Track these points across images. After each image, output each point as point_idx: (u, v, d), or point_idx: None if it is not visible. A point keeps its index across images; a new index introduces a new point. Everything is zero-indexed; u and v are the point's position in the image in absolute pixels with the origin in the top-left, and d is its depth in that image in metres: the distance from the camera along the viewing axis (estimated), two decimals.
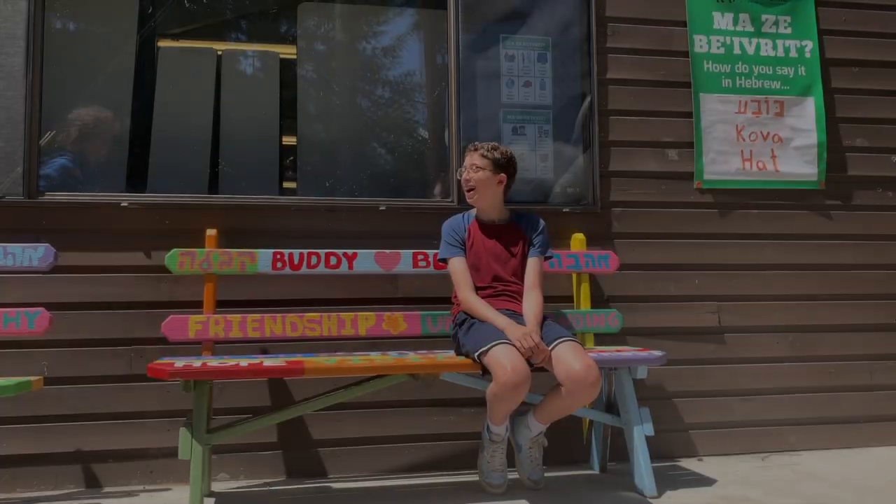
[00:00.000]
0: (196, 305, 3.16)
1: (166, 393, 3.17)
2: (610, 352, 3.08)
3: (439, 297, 3.32)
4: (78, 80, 3.71)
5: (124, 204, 3.28)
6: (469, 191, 3.06)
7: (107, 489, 3.14)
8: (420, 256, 3.33)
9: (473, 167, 3.04)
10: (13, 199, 3.15)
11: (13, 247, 2.92)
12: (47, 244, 2.95)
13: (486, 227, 3.08)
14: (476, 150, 3.09)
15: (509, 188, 3.12)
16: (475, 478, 3.04)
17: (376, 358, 2.89)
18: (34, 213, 3.19)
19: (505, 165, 3.07)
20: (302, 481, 3.21)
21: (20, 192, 3.15)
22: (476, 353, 2.72)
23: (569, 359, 2.69)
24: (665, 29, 3.85)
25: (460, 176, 3.12)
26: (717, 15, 3.89)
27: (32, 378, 2.70)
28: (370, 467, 3.34)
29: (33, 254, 2.93)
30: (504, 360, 2.62)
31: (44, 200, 3.20)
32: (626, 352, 3.10)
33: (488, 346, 2.69)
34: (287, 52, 4.52)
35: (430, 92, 4.44)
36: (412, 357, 2.90)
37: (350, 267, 3.26)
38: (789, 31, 3.96)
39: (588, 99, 3.73)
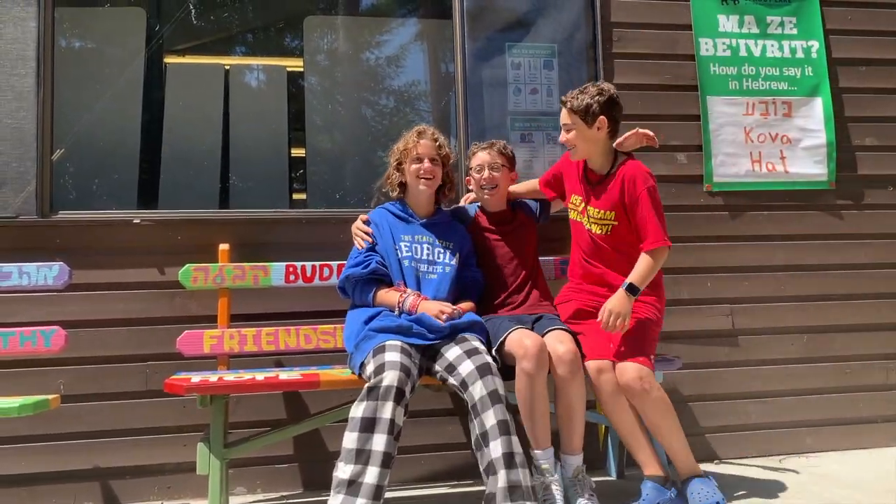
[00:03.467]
0: (210, 320, 3.16)
1: (182, 408, 3.19)
2: None
3: None
4: (88, 99, 3.74)
5: (137, 221, 3.29)
6: (492, 188, 3.09)
7: None
8: None
9: (494, 166, 3.07)
10: (27, 218, 3.17)
11: (28, 266, 2.94)
12: (62, 263, 2.97)
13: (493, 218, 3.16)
14: (493, 146, 3.11)
15: None
16: None
17: None
18: (48, 231, 3.21)
19: (514, 159, 3.19)
20: (319, 494, 3.21)
21: (34, 211, 3.18)
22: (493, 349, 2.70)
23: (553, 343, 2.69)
24: (670, 33, 3.85)
25: (478, 174, 3.09)
26: (721, 18, 3.90)
27: (50, 397, 2.71)
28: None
29: (48, 273, 2.94)
30: (519, 341, 2.61)
31: (57, 219, 3.23)
32: None
33: (503, 335, 2.68)
34: (294, 65, 4.56)
35: (437, 101, 4.46)
36: None
37: None
38: (795, 31, 3.96)
39: None
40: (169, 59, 4.27)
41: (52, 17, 3.30)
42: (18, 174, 3.18)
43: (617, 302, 2.70)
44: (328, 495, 2.37)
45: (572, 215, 3.04)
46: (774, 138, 3.88)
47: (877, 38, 4.03)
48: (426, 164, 2.92)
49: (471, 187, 3.22)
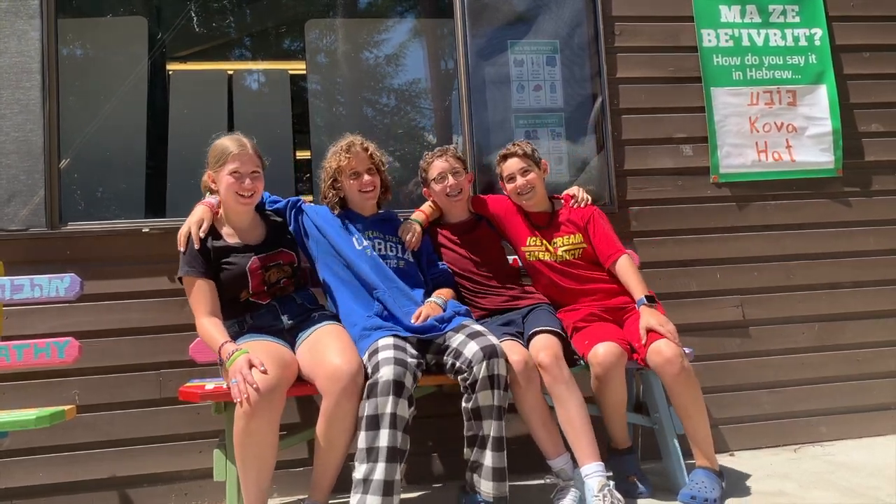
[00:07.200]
0: None
1: (196, 415, 3.20)
2: None
3: None
4: (93, 109, 3.75)
5: (145, 230, 3.30)
6: (458, 194, 3.09)
7: None
8: None
9: (454, 171, 3.06)
10: (37, 230, 3.19)
11: (39, 278, 2.94)
12: (73, 274, 2.96)
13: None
14: (446, 152, 3.10)
15: None
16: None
17: None
18: (58, 243, 3.23)
19: (466, 161, 3.22)
20: (334, 496, 3.20)
21: (43, 223, 3.20)
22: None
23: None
24: (672, 25, 3.84)
25: (440, 183, 3.07)
26: (723, 8, 3.88)
27: (66, 407, 2.72)
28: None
29: (59, 284, 2.95)
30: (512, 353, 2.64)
31: (67, 230, 3.24)
32: None
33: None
34: (296, 68, 4.56)
35: (440, 99, 4.46)
36: None
37: None
38: (797, 19, 3.95)
39: (599, 99, 3.73)
40: (172, 67, 4.28)
41: (54, 28, 3.31)
42: (27, 187, 3.19)
43: (650, 317, 2.78)
44: (344, 497, 2.38)
45: (536, 257, 3.10)
46: (780, 127, 3.87)
47: (880, 23, 4.01)
48: (365, 177, 2.91)
49: (430, 199, 3.18)
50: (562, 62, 3.76)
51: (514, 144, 3.15)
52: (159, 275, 3.26)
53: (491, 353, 2.52)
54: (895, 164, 3.94)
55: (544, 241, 3.09)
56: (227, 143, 2.69)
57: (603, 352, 2.70)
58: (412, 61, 4.53)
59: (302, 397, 3.29)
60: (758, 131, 3.84)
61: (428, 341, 2.68)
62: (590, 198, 3.19)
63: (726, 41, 3.86)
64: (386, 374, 2.40)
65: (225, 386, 2.66)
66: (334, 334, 2.62)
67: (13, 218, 3.18)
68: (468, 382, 2.53)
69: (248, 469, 2.39)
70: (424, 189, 3.19)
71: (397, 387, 2.40)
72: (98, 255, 3.25)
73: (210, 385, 2.72)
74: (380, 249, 2.90)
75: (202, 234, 2.61)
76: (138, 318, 3.24)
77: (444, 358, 2.64)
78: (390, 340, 2.54)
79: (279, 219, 2.90)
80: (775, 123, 3.86)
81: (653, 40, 3.82)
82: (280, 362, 2.45)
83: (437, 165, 3.07)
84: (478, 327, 2.66)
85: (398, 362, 2.44)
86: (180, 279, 2.63)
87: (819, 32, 3.94)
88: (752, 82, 3.86)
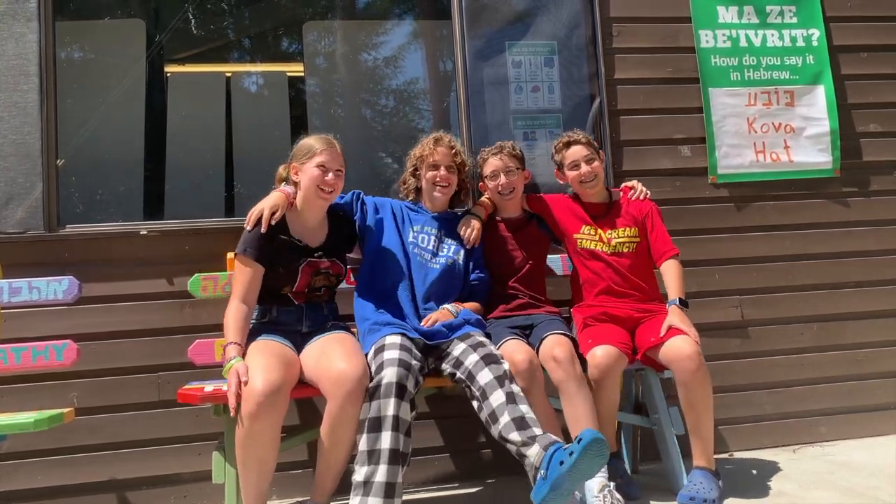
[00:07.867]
0: (220, 329, 3.14)
1: (196, 417, 3.19)
2: None
3: None
4: (91, 112, 3.75)
5: (144, 232, 3.30)
6: (510, 192, 3.09)
7: None
8: None
9: (508, 170, 3.07)
10: (35, 233, 3.18)
11: (38, 281, 2.94)
12: (71, 276, 2.96)
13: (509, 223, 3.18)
14: (502, 150, 3.10)
15: None
16: (504, 485, 3.02)
17: None
18: (56, 246, 3.22)
19: (523, 158, 3.19)
20: (334, 498, 3.20)
21: (41, 226, 3.19)
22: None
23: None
24: (670, 26, 3.85)
25: (494, 180, 3.09)
26: (721, 9, 3.89)
27: (64, 410, 2.71)
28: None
29: (58, 287, 2.95)
30: (510, 356, 2.62)
31: (65, 233, 3.23)
32: None
33: (498, 344, 2.68)
34: (294, 70, 4.56)
35: (438, 101, 4.46)
36: None
37: None
38: (795, 20, 3.95)
39: (597, 100, 3.73)
40: (170, 69, 4.28)
41: (52, 31, 3.30)
42: (24, 189, 3.19)
43: (675, 317, 2.83)
44: (343, 499, 2.38)
45: (586, 244, 3.10)
46: (778, 128, 3.87)
47: (877, 23, 4.02)
48: (442, 171, 2.98)
49: (486, 194, 3.21)
50: (560, 63, 3.76)
51: (574, 132, 3.17)
52: (158, 277, 3.26)
53: (492, 360, 2.52)
54: (893, 164, 3.95)
55: (599, 231, 3.09)
56: (317, 140, 2.78)
57: (601, 354, 2.70)
58: (410, 63, 4.53)
59: (302, 399, 3.28)
60: (756, 132, 3.84)
61: (432, 345, 2.67)
62: (648, 192, 3.21)
63: (724, 42, 3.87)
64: (389, 376, 2.40)
65: (224, 388, 2.66)
66: (340, 340, 2.63)
67: (11, 221, 3.17)
68: (477, 394, 2.49)
69: (249, 471, 2.39)
70: (480, 183, 3.23)
71: (399, 389, 2.39)
72: (96, 257, 3.25)
73: (209, 387, 2.71)
74: (434, 245, 2.96)
75: (273, 222, 2.65)
76: (137, 320, 3.24)
77: (443, 365, 2.64)
78: (398, 339, 2.54)
79: (341, 213, 2.95)
80: (773, 124, 3.86)
81: (650, 41, 3.82)
82: (285, 362, 2.47)
83: (492, 163, 3.10)
84: (481, 338, 2.65)
85: (402, 364, 2.43)
86: (235, 254, 2.67)
87: (816, 33, 3.94)
88: (749, 83, 3.87)
